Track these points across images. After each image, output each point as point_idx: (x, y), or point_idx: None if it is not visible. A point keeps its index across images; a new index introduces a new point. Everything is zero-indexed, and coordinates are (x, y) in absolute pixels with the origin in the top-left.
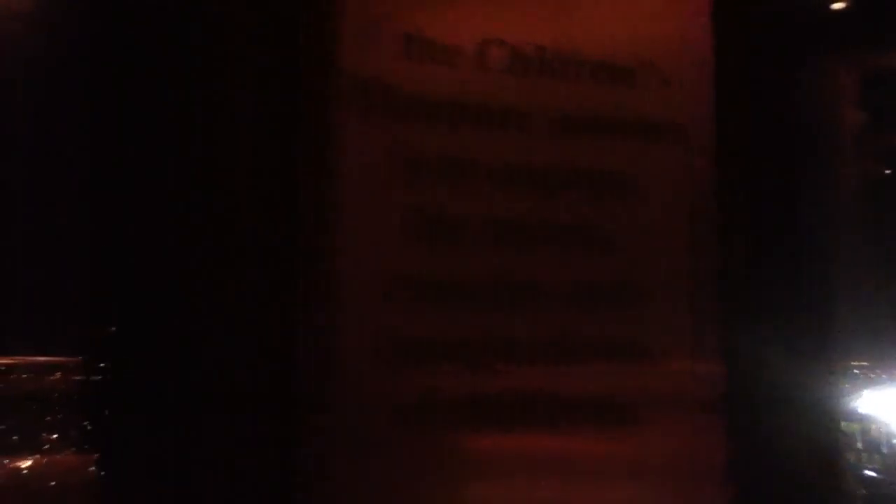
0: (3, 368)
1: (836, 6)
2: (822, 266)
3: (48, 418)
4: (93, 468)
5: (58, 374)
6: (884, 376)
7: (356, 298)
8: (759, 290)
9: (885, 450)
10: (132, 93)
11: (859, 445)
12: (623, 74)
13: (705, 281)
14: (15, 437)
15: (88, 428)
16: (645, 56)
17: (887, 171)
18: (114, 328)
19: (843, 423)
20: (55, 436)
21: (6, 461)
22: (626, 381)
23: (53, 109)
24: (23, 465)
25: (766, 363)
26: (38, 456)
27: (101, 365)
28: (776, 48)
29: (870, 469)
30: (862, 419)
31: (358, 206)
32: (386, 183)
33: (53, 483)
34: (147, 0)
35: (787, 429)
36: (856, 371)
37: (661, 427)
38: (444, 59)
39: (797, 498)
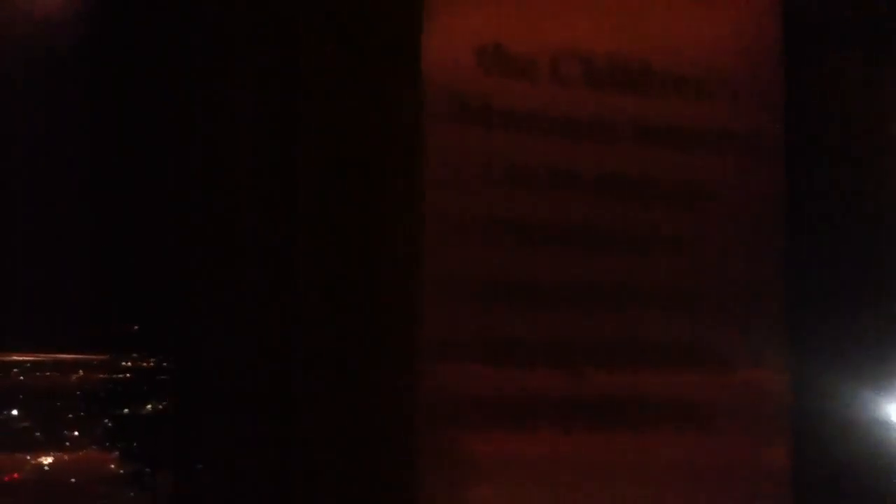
0: (29, 365)
1: None
2: (890, 274)
3: (70, 415)
4: (112, 465)
5: (80, 372)
6: None
7: (440, 299)
8: (826, 300)
9: None
10: (132, 93)
11: None
12: (692, 86)
13: (772, 290)
14: (38, 434)
15: (109, 425)
16: (714, 67)
17: None
18: (136, 327)
19: None
20: (76, 433)
21: (28, 457)
22: (691, 388)
23: (53, 109)
24: (45, 462)
25: (831, 373)
26: (59, 452)
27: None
28: (845, 57)
29: None
30: None
31: (439, 213)
32: (466, 190)
33: (74, 480)
34: (148, 0)
35: (849, 439)
36: None
37: (725, 433)
38: (521, 71)
39: None
